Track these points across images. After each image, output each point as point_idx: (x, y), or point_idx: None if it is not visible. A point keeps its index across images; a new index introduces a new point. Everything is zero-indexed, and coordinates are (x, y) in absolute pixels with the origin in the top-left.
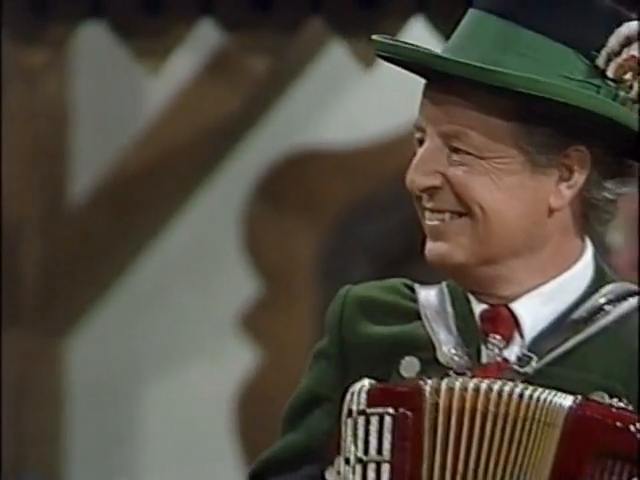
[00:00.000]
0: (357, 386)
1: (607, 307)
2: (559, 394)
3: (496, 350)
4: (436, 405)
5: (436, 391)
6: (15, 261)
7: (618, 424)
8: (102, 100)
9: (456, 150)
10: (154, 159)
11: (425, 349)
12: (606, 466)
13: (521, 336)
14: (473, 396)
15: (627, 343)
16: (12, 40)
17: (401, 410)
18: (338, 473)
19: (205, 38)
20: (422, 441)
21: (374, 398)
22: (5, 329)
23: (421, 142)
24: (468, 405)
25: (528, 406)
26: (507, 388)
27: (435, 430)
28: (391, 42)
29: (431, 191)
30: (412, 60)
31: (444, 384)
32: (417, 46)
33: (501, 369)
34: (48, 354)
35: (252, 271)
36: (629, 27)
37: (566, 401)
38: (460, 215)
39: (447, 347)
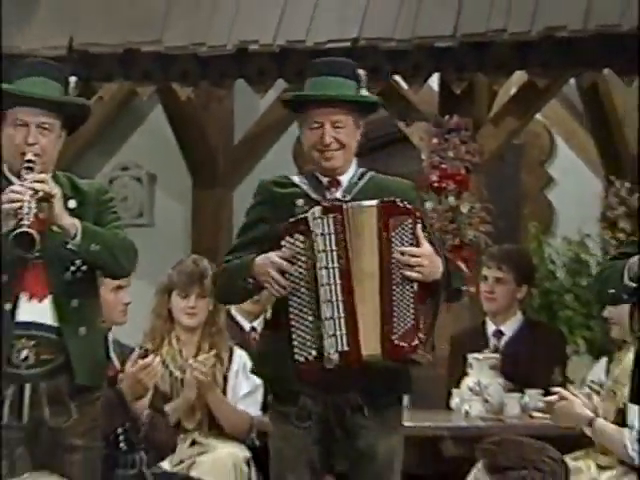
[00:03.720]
0: (314, 209)
1: (366, 175)
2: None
3: (332, 193)
4: (346, 212)
5: (344, 207)
6: (214, 162)
7: (400, 204)
8: (244, 106)
9: (336, 127)
10: (260, 130)
11: (304, 196)
12: (398, 222)
13: (342, 188)
14: (351, 210)
15: (380, 186)
16: (213, 85)
17: (338, 216)
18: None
19: (279, 86)
20: (345, 228)
21: (323, 210)
22: (206, 189)
23: (319, 127)
24: (351, 212)
25: (365, 209)
26: (354, 204)
27: (349, 223)
28: (291, 94)
29: (331, 142)
30: (302, 97)
31: (350, 205)
32: (301, 93)
33: (331, 202)
34: (227, 199)
35: (297, 168)
36: (361, 71)
37: (375, 202)
38: (339, 149)
39: (312, 194)
